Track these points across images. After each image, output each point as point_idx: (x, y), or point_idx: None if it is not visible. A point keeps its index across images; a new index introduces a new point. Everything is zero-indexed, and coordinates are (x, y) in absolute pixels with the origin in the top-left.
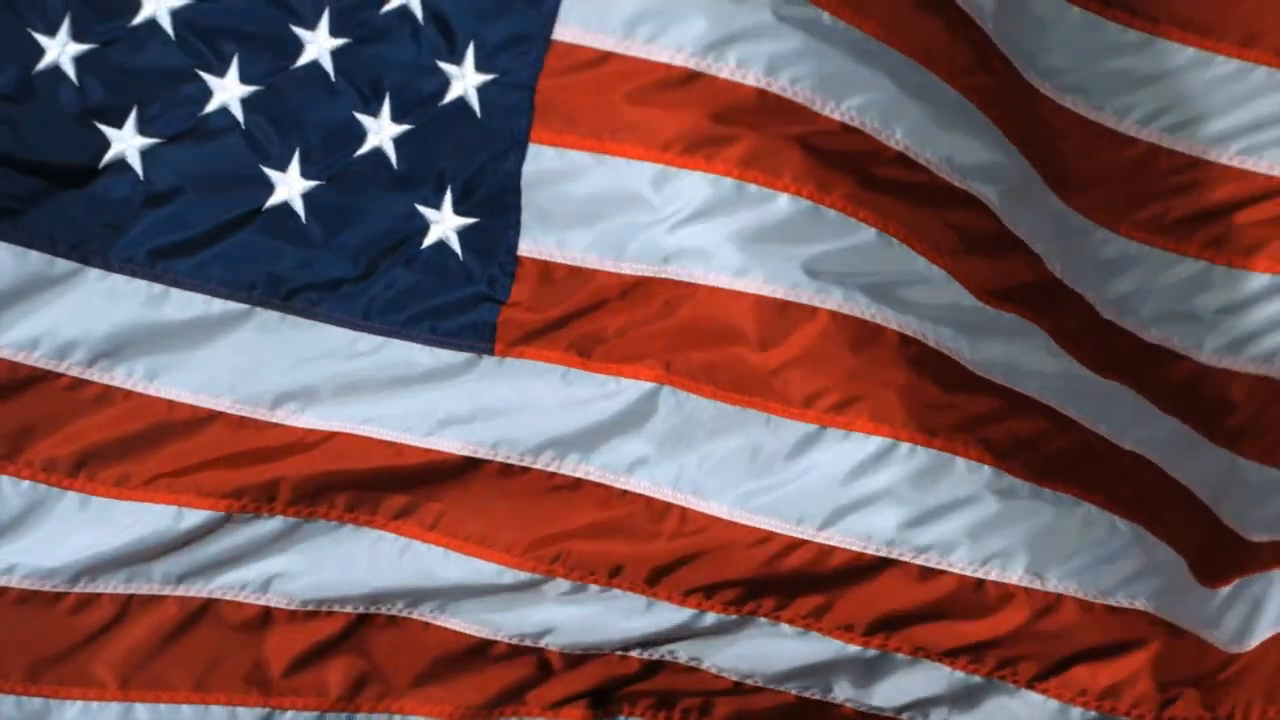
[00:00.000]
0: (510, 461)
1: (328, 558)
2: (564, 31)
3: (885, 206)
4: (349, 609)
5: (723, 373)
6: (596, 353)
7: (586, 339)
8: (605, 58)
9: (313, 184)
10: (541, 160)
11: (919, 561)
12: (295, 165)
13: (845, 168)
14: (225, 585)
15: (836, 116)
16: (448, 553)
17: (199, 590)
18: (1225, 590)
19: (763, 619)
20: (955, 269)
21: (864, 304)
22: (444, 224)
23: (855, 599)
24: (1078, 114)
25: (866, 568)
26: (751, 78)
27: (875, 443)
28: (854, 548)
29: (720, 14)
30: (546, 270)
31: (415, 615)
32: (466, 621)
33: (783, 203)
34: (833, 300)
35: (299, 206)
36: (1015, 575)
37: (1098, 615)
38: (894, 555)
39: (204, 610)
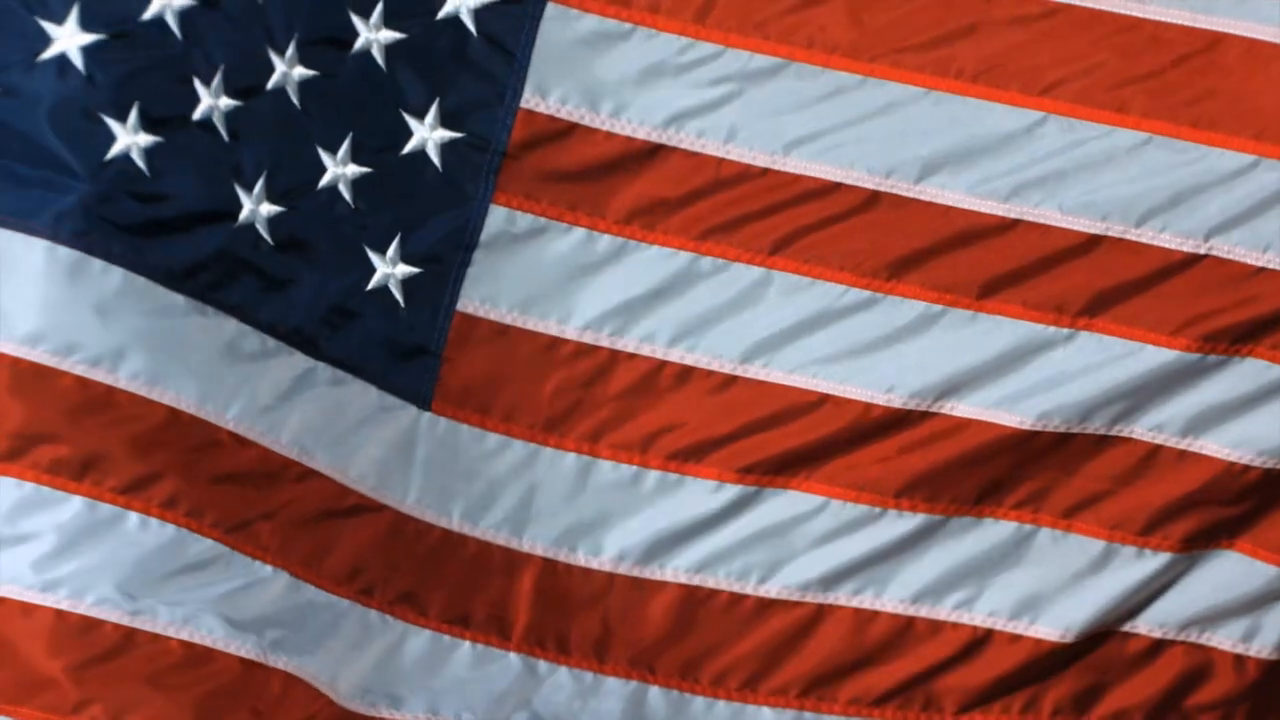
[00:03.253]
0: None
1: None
2: (531, 100)
3: None
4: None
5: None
6: (532, 419)
7: (527, 402)
8: (572, 129)
9: (276, 209)
10: (503, 221)
11: (855, 604)
12: (261, 187)
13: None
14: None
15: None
16: None
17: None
18: None
19: (700, 697)
20: None
21: None
22: (389, 269)
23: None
24: None
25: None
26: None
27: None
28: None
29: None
30: (492, 329)
31: None
32: None
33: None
34: None
35: (264, 230)
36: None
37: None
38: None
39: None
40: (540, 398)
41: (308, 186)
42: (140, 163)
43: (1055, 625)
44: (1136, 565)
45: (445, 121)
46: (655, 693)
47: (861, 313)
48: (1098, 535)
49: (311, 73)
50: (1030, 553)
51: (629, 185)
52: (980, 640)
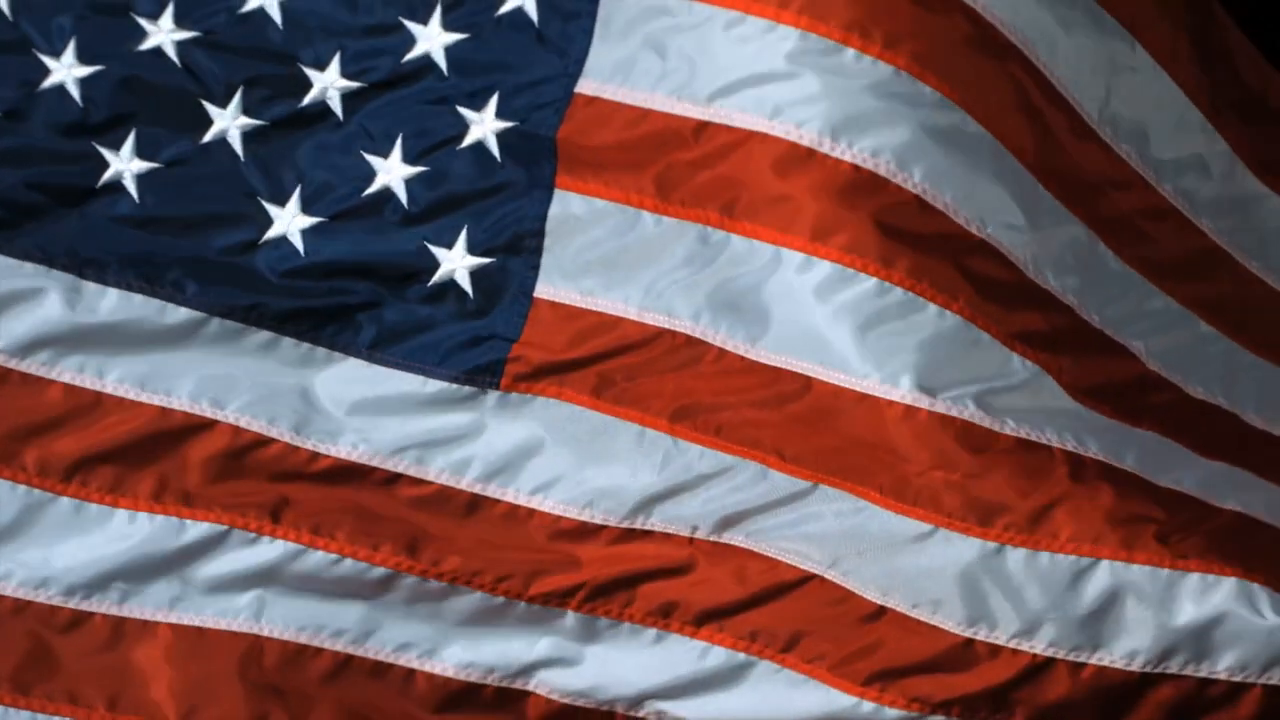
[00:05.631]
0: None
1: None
2: (587, 85)
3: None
4: (337, 646)
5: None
6: (608, 394)
7: (602, 380)
8: (628, 109)
9: (313, 220)
10: (566, 206)
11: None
12: (295, 200)
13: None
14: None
15: (847, 158)
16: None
17: (191, 618)
18: None
19: (766, 662)
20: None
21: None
22: (455, 262)
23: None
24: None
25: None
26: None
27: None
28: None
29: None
30: (565, 313)
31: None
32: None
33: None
34: None
35: (298, 241)
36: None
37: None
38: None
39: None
40: (617, 372)
41: (352, 195)
42: (133, 190)
43: (1121, 655)
44: (1203, 597)
45: (504, 113)
46: (719, 652)
47: None
48: (1160, 564)
49: (356, 84)
50: (1088, 586)
51: (683, 164)
52: (1041, 665)
